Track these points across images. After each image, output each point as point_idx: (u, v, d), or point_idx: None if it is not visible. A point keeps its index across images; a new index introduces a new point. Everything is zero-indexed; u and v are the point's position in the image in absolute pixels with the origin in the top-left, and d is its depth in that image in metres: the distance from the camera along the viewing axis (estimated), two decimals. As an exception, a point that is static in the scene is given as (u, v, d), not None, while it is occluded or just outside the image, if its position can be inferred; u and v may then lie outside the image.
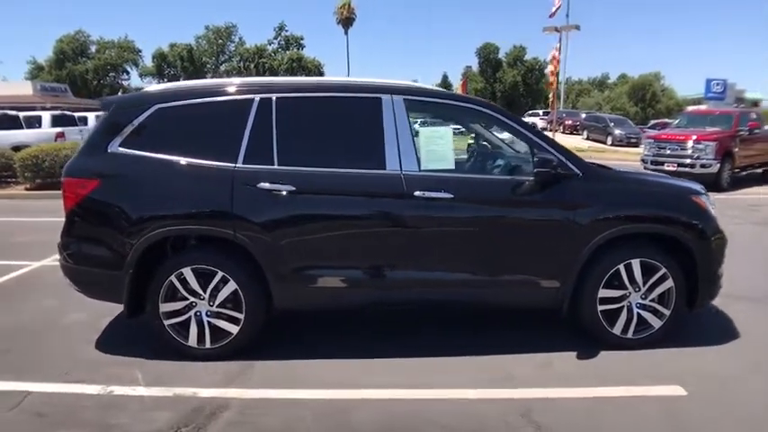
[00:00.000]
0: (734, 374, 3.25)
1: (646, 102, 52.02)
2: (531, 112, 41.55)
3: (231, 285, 3.34)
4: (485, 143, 4.39)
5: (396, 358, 3.47)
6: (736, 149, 11.79)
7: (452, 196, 3.32)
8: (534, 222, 3.43)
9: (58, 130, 15.08)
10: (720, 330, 3.89)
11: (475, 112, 3.73)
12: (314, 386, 3.11)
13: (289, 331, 3.84)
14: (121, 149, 3.38)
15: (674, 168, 11.59)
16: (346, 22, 54.95)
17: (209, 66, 57.88)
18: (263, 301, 3.40)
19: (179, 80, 27.41)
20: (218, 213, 3.32)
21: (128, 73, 57.48)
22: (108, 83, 55.25)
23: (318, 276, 3.38)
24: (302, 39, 58.39)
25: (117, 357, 3.48)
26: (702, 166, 11.46)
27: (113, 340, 3.76)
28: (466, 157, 4.56)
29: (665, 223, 3.50)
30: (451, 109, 3.78)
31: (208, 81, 3.76)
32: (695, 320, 3.92)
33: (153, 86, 3.83)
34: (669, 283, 3.50)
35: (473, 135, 4.57)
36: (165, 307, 3.37)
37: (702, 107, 18.29)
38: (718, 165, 11.39)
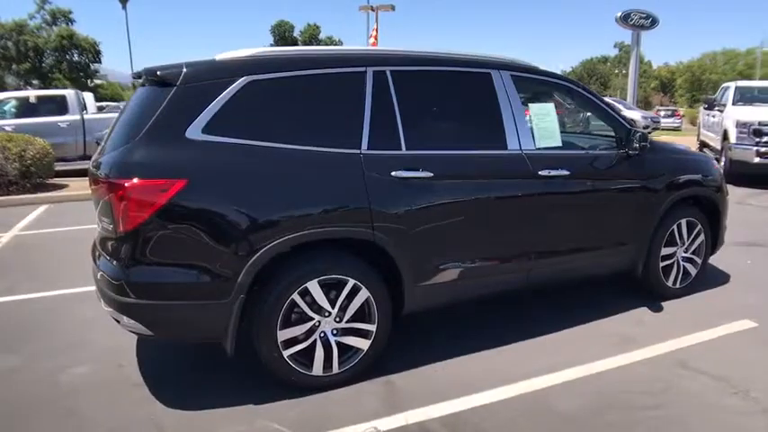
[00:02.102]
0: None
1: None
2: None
3: (363, 294, 2.81)
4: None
5: (511, 344, 3.34)
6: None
7: (569, 173, 3.31)
8: (626, 192, 3.63)
9: None
10: (724, 271, 4.57)
11: (566, 90, 3.71)
12: (479, 388, 2.82)
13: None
14: (206, 136, 2.53)
15: None
16: (124, -6, 47.94)
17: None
18: (391, 307, 2.94)
19: None
20: (353, 211, 2.73)
21: None
22: None
23: (457, 269, 3.05)
24: (71, 12, 49.17)
25: (215, 413, 2.64)
26: None
27: (182, 392, 2.83)
28: None
29: (705, 185, 4.03)
30: (547, 86, 3.69)
31: (306, 49, 3.00)
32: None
33: (233, 53, 2.89)
34: (702, 236, 4.08)
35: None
36: (284, 334, 2.68)
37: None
38: None
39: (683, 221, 3.93)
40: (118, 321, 2.66)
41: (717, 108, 10.59)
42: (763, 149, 8.48)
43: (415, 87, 2.96)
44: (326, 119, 2.79)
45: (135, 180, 2.40)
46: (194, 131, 2.51)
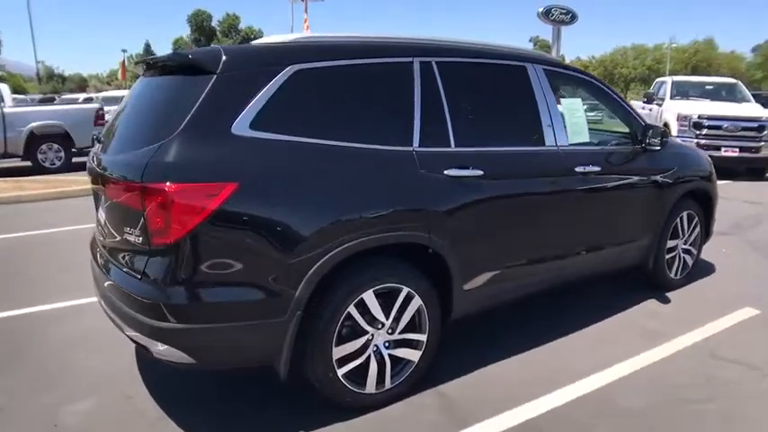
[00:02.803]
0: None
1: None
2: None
3: (416, 302, 2.60)
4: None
5: (547, 343, 3.25)
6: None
7: (600, 169, 3.27)
8: (644, 187, 3.66)
9: None
10: (708, 261, 4.74)
11: (589, 85, 3.64)
12: (537, 392, 2.70)
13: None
14: (255, 132, 2.20)
15: (736, 154, 9.25)
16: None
17: None
18: (440, 315, 2.75)
19: None
20: (410, 213, 2.51)
21: None
22: None
23: (502, 270, 2.91)
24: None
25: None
26: None
27: (216, 424, 2.48)
28: None
29: (702, 179, 4.16)
30: (573, 81, 3.60)
31: (350, 36, 2.69)
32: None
33: (270, 39, 2.52)
34: (698, 228, 4.23)
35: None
36: (339, 351, 2.41)
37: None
38: None
39: (685, 214, 4.05)
40: (145, 349, 2.27)
41: (655, 102, 11.27)
42: (702, 141, 9.12)
43: (459, 80, 2.77)
44: (376, 113, 2.54)
45: (179, 184, 2.03)
46: (241, 127, 2.17)
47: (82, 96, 21.04)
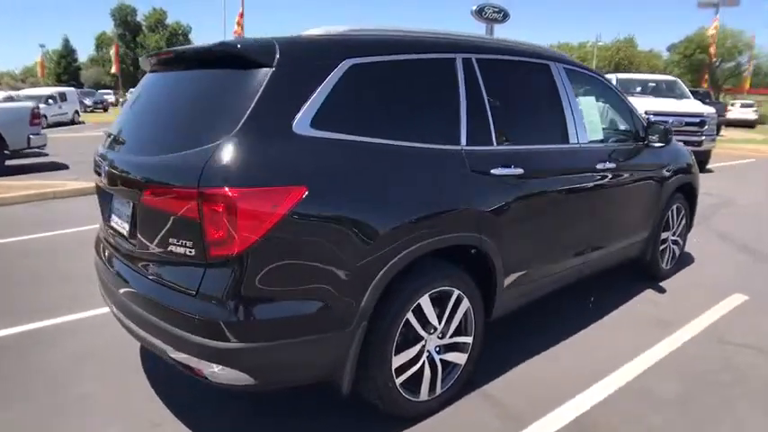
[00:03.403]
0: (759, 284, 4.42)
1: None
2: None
3: (464, 304, 2.55)
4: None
5: (571, 337, 3.32)
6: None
7: (614, 166, 3.36)
8: (649, 182, 3.82)
9: None
10: (687, 252, 4.97)
11: (600, 85, 3.71)
12: (579, 386, 2.73)
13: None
14: (316, 131, 2.06)
15: None
16: None
17: None
18: (483, 316, 2.72)
19: None
20: (463, 214, 2.45)
21: None
22: None
23: (538, 267, 2.94)
24: None
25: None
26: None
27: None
28: None
29: (689, 173, 4.38)
30: (586, 80, 3.64)
31: (400, 29, 2.56)
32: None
33: (319, 30, 2.34)
34: (685, 219, 4.47)
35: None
36: (398, 359, 2.32)
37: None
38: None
39: (674, 206, 4.25)
40: (191, 371, 2.07)
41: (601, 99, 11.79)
42: None
43: (496, 77, 2.74)
44: (428, 111, 2.46)
45: (244, 188, 1.86)
46: (302, 126, 2.02)
47: (1, 95, 19.32)
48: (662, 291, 4.14)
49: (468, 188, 2.47)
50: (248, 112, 1.95)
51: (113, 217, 2.52)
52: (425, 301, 2.36)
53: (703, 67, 48.25)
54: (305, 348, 2.06)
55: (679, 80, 12.30)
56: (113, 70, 39.83)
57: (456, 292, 2.49)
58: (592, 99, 3.49)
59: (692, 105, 10.62)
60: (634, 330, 3.44)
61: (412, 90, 2.43)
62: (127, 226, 2.35)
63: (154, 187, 2.08)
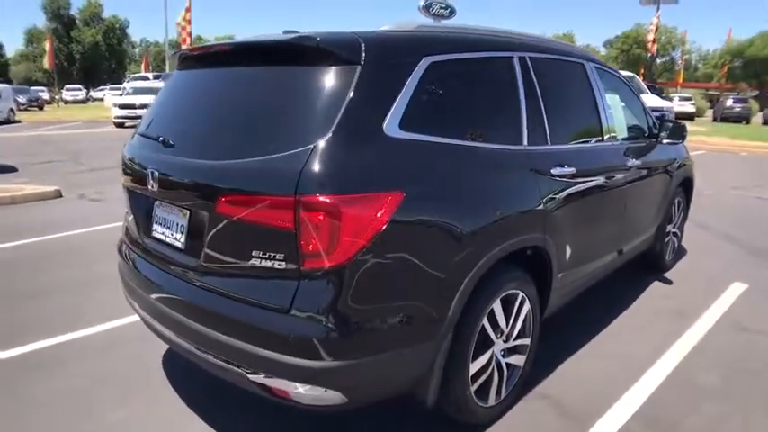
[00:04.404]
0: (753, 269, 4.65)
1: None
2: (134, 75, 37.55)
3: (526, 307, 2.55)
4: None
5: (602, 332, 3.40)
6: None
7: (641, 162, 3.46)
8: (664, 176, 3.98)
9: None
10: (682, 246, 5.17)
11: (621, 84, 3.77)
12: (629, 378, 2.80)
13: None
14: (405, 133, 1.97)
15: None
16: None
17: None
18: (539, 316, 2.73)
19: None
20: (531, 215, 2.45)
21: None
22: None
23: (584, 265, 3.01)
24: None
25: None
26: None
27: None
28: None
29: (687, 166, 4.56)
30: (611, 78, 3.65)
31: (467, 25, 2.50)
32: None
33: (396, 25, 2.22)
34: (683, 212, 4.66)
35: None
36: (474, 366, 2.29)
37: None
38: None
39: (676, 200, 4.43)
40: (272, 395, 1.94)
41: None
42: None
43: (545, 76, 2.74)
44: (496, 111, 2.46)
45: (347, 195, 1.77)
46: (392, 128, 1.94)
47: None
48: (669, 282, 4.30)
49: (534, 189, 2.47)
50: (341, 113, 1.84)
51: (156, 227, 2.34)
52: (497, 306, 2.34)
53: (640, 63, 50.85)
54: (398, 362, 2.00)
55: (636, 76, 12.86)
56: (46, 66, 37.45)
57: (521, 295, 2.49)
58: (617, 97, 3.56)
59: (652, 100, 11.14)
60: (658, 323, 3.57)
61: (481, 89, 2.41)
62: (180, 236, 2.19)
63: (234, 195, 1.92)
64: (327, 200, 1.74)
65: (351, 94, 1.87)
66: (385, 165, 1.90)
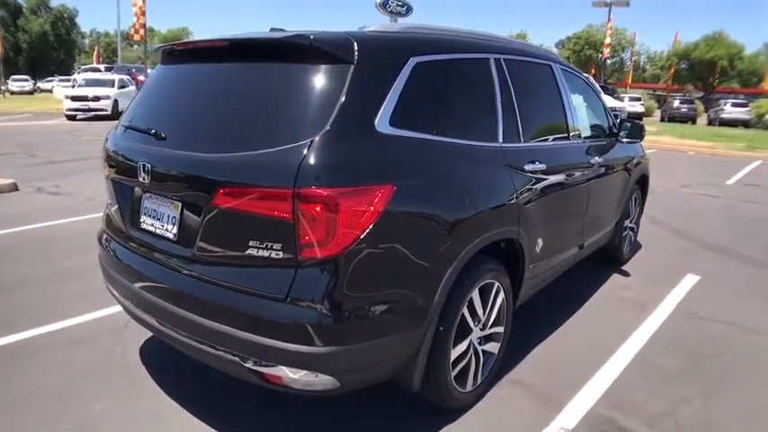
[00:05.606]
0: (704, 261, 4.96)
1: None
2: (86, 67, 36.07)
3: (501, 296, 2.68)
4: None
5: (570, 319, 3.57)
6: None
7: (603, 160, 3.65)
8: (624, 173, 4.18)
9: None
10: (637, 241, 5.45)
11: (584, 84, 3.93)
12: (595, 362, 2.96)
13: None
14: (395, 129, 2.07)
15: None
16: None
17: None
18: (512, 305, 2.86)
19: None
20: (507, 208, 2.57)
21: None
22: None
23: (551, 258, 3.15)
24: None
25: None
26: None
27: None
28: None
29: (644, 164, 4.81)
30: (575, 79, 3.79)
31: (448, 27, 2.58)
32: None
33: (380, 26, 2.27)
34: (639, 207, 4.92)
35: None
36: (455, 353, 2.40)
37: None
38: None
39: (633, 196, 4.67)
40: (265, 380, 1.99)
41: None
42: None
43: (518, 77, 2.88)
44: (475, 109, 2.60)
45: (343, 188, 1.84)
46: (383, 124, 2.03)
47: None
48: (626, 275, 4.54)
49: (509, 184, 2.60)
50: (336, 109, 1.91)
51: (144, 218, 2.34)
52: (476, 295, 2.46)
53: (591, 63, 52.53)
54: (388, 347, 2.08)
55: (590, 77, 13.30)
56: (-8, 56, 35.55)
57: (496, 285, 2.61)
58: (580, 98, 3.74)
59: (606, 101, 11.56)
60: (620, 312, 3.78)
61: (461, 88, 2.53)
62: (173, 227, 2.20)
63: (232, 187, 1.95)
64: (325, 192, 1.81)
65: (345, 91, 1.94)
66: (377, 159, 1.99)
